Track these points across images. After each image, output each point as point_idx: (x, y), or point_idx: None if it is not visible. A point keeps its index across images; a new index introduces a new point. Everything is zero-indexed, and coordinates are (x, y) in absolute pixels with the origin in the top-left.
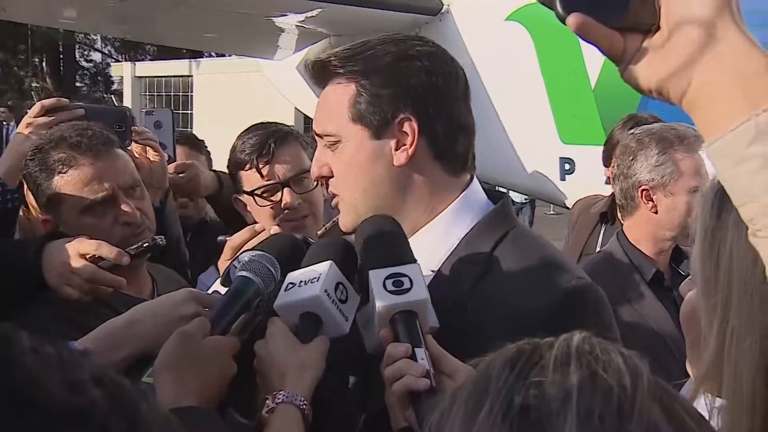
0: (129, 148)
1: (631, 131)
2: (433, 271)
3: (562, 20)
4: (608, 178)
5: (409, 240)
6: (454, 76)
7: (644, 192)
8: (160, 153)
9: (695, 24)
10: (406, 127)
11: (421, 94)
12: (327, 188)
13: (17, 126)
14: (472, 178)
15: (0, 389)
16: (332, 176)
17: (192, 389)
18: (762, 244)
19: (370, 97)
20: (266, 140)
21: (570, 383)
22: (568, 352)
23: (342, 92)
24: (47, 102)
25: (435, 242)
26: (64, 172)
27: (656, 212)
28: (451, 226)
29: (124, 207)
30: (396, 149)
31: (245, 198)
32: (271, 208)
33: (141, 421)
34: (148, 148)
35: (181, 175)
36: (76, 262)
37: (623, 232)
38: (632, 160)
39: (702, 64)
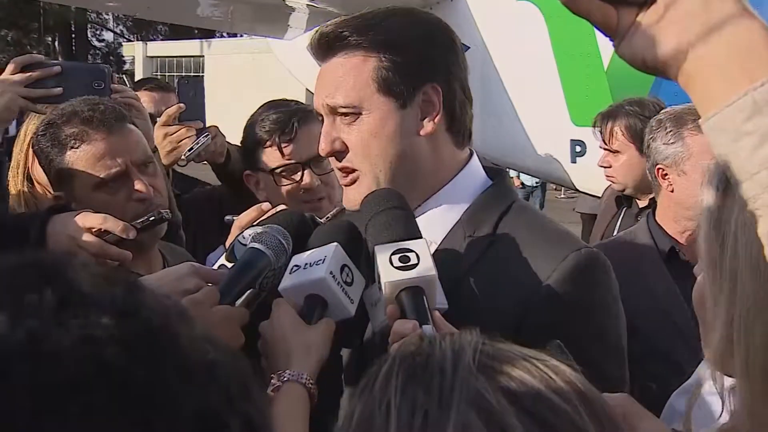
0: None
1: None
2: (437, 244)
3: None
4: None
5: (415, 212)
6: (460, 47)
7: (660, 171)
8: (143, 112)
9: None
10: (432, 97)
11: (443, 64)
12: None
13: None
14: (472, 154)
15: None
16: (346, 151)
17: None
18: (762, 221)
19: (396, 67)
20: (289, 119)
21: (389, 393)
22: (392, 363)
23: (361, 63)
24: (20, 59)
25: (440, 215)
26: (77, 147)
27: (673, 191)
28: (454, 199)
29: (137, 185)
30: (422, 119)
31: (261, 175)
32: (290, 187)
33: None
34: (130, 107)
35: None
36: (82, 236)
37: (653, 211)
38: (651, 140)
39: (698, 38)
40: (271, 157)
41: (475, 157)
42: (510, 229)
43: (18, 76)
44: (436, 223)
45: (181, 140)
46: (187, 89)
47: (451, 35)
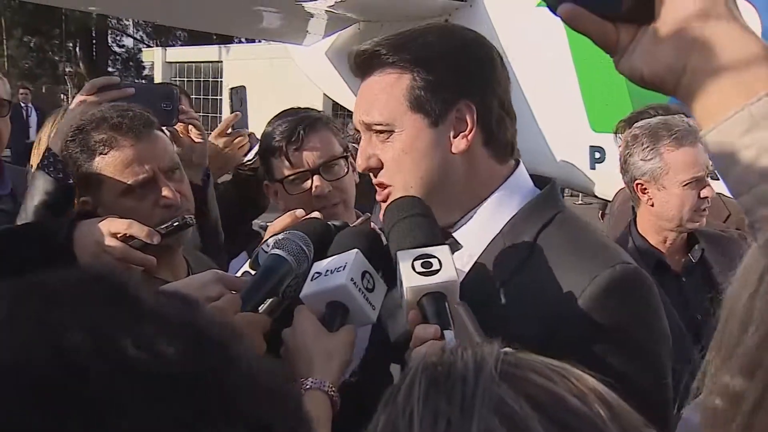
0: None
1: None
2: (477, 256)
3: (553, 10)
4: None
5: (455, 226)
6: (500, 63)
7: (639, 186)
8: (202, 132)
9: (690, 13)
10: (465, 115)
11: (477, 82)
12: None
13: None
14: (517, 164)
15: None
16: (381, 167)
17: None
18: (760, 235)
19: (429, 85)
20: (295, 127)
21: (411, 402)
22: (414, 374)
23: (394, 81)
24: (98, 81)
25: (480, 228)
26: (105, 153)
27: (653, 205)
28: (496, 211)
29: (164, 191)
30: (455, 137)
31: (277, 186)
32: (302, 195)
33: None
34: (191, 127)
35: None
36: (108, 241)
37: (634, 221)
38: (628, 155)
39: (696, 53)
40: (281, 166)
41: (520, 169)
42: (549, 241)
43: (94, 98)
44: (477, 236)
45: (240, 147)
46: (236, 98)
47: (489, 51)
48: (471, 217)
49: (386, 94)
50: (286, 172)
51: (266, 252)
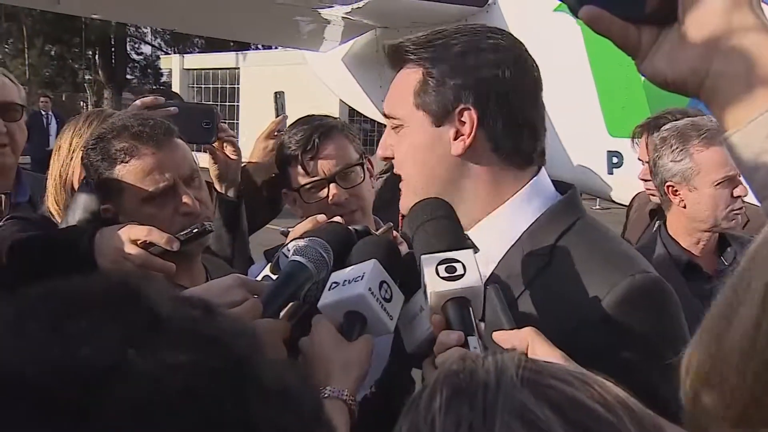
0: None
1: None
2: (495, 261)
3: (575, 13)
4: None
5: (469, 232)
6: (523, 71)
7: (670, 188)
8: (237, 150)
9: (714, 15)
10: (466, 118)
11: (485, 87)
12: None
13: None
14: (539, 170)
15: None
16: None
17: None
18: None
19: (435, 85)
20: (311, 135)
21: (434, 409)
22: (436, 381)
23: (410, 77)
24: (146, 101)
25: (496, 234)
26: (126, 162)
27: (685, 207)
28: (514, 217)
29: (184, 198)
30: (454, 138)
31: (293, 194)
32: (319, 204)
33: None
34: (226, 144)
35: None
36: (128, 248)
37: (665, 224)
38: (657, 157)
39: (720, 55)
40: (297, 175)
41: (542, 174)
42: (569, 248)
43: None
44: (494, 241)
45: None
46: (279, 102)
47: (512, 57)
48: (487, 221)
49: (400, 89)
50: (303, 181)
51: (287, 257)
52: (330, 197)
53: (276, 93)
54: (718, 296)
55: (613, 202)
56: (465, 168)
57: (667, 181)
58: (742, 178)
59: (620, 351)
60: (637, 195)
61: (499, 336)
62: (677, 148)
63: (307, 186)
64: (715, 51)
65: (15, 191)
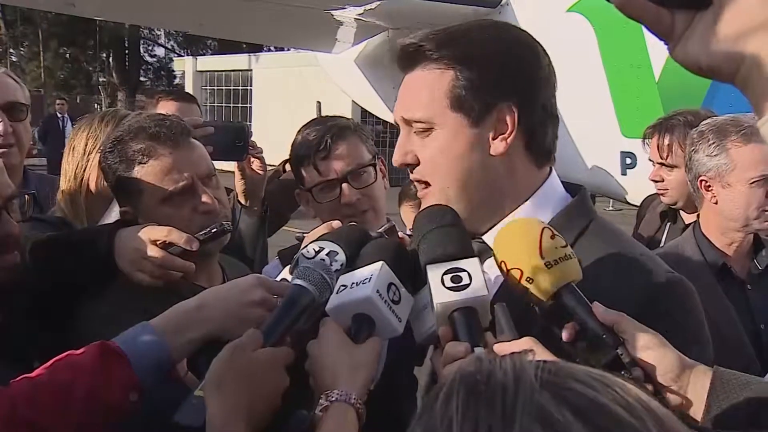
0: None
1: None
2: None
3: None
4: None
5: (489, 231)
6: (548, 66)
7: (703, 183)
8: (264, 166)
9: (750, 1)
10: (506, 116)
11: (522, 83)
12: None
13: (70, 119)
14: (551, 171)
15: None
16: (417, 164)
17: (241, 404)
18: None
19: (471, 84)
20: (323, 136)
21: (450, 411)
22: (452, 383)
23: (437, 78)
24: (187, 121)
25: None
26: (145, 163)
27: (716, 203)
28: (533, 216)
29: (204, 197)
30: (494, 138)
31: (306, 194)
32: (331, 204)
33: None
34: (254, 159)
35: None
36: (148, 248)
37: (699, 223)
38: (693, 152)
39: (755, 40)
40: (310, 175)
41: (554, 175)
42: (588, 250)
43: None
44: None
45: None
46: (318, 109)
47: (535, 51)
48: (510, 218)
49: (427, 91)
50: (315, 181)
51: (307, 258)
52: (342, 198)
53: (318, 102)
54: None
55: (627, 203)
56: (499, 168)
57: (700, 176)
58: None
59: None
60: (648, 197)
61: (499, 347)
62: (714, 143)
63: (320, 186)
64: (751, 36)
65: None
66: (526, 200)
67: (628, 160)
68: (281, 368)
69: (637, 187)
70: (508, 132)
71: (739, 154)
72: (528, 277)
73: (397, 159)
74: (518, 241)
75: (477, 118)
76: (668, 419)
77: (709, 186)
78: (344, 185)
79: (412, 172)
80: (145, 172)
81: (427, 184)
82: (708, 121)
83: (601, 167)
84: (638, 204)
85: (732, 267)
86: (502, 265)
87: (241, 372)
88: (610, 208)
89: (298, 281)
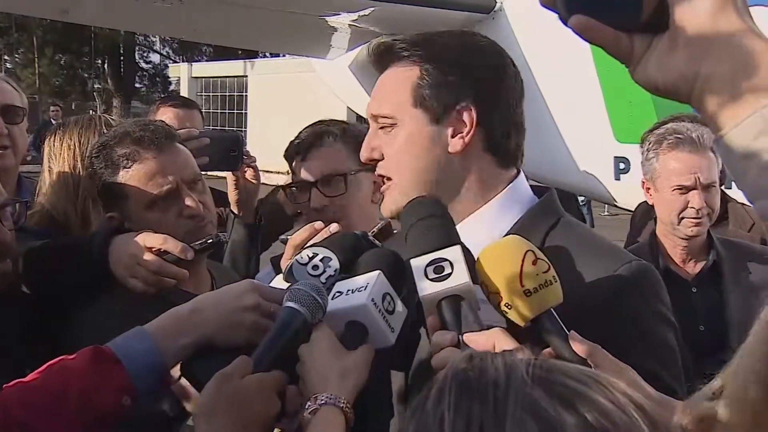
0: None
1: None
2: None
3: (565, 22)
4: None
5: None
6: (514, 75)
7: (644, 185)
8: (257, 175)
9: (699, 18)
10: (465, 116)
11: (484, 87)
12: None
13: None
14: (518, 172)
15: None
16: (382, 159)
17: None
18: None
19: (434, 83)
20: (306, 138)
21: (442, 408)
22: (444, 380)
23: (404, 75)
24: (182, 132)
25: (484, 231)
26: (129, 167)
27: (653, 206)
28: (499, 216)
29: (187, 201)
30: (452, 137)
31: (288, 190)
32: (303, 206)
33: None
34: (248, 169)
35: None
36: (143, 255)
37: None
38: (642, 154)
39: (708, 59)
40: (292, 175)
41: (521, 177)
42: (558, 243)
43: None
44: (479, 240)
45: None
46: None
47: (504, 60)
48: (471, 221)
49: (394, 87)
50: (290, 181)
51: (300, 264)
52: (311, 202)
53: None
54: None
55: (620, 208)
56: (458, 166)
57: (642, 178)
58: (699, 190)
59: (621, 340)
60: (641, 203)
61: (468, 337)
62: (652, 147)
63: (292, 187)
64: (703, 55)
65: (15, 196)
66: (492, 198)
67: (622, 165)
68: (271, 393)
69: (631, 192)
70: (466, 131)
71: (666, 161)
72: (507, 303)
73: (363, 154)
74: (500, 267)
75: (438, 116)
76: (656, 415)
77: (648, 188)
78: (313, 190)
79: (378, 169)
80: (130, 176)
81: (389, 179)
82: (668, 126)
83: (594, 172)
84: (632, 209)
85: (675, 269)
86: (483, 286)
87: (230, 401)
88: (606, 214)
89: (290, 304)
